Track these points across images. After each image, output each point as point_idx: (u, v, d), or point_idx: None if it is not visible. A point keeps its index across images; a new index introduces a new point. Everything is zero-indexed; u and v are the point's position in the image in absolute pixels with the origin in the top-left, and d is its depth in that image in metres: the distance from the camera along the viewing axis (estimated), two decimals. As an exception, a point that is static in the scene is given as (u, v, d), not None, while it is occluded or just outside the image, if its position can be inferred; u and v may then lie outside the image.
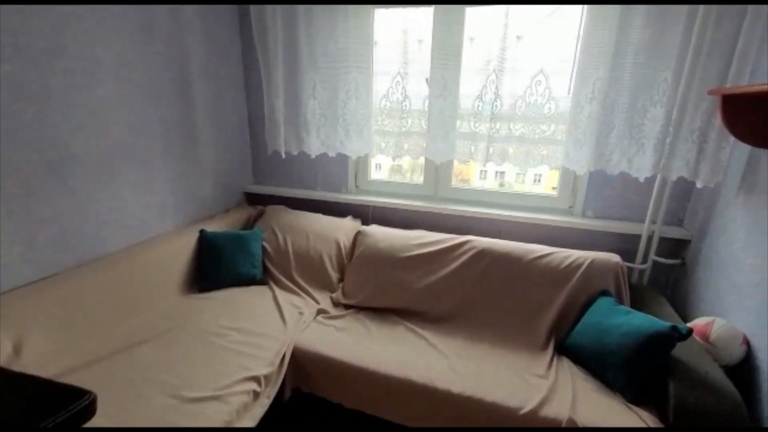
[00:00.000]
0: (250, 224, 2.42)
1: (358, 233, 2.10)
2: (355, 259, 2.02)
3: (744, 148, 1.54)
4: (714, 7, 1.45)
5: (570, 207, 2.12)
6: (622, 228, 1.96)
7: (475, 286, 1.77)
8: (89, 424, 0.82)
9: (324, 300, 1.99)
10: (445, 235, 1.97)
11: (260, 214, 2.45)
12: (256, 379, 1.41)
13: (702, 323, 1.51)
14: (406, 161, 2.60)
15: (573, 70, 1.76)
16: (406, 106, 2.02)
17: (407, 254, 1.90)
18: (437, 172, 2.28)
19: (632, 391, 1.32)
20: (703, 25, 1.47)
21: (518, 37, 1.77)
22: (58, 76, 1.50)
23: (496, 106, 1.84)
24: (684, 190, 1.87)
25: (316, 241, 2.16)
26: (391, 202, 2.32)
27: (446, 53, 1.87)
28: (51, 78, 1.48)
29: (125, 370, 1.39)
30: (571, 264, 1.67)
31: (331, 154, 2.23)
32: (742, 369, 1.42)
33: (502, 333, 1.66)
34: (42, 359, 1.34)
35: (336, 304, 1.96)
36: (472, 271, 1.79)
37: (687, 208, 1.92)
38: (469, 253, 1.81)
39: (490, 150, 1.91)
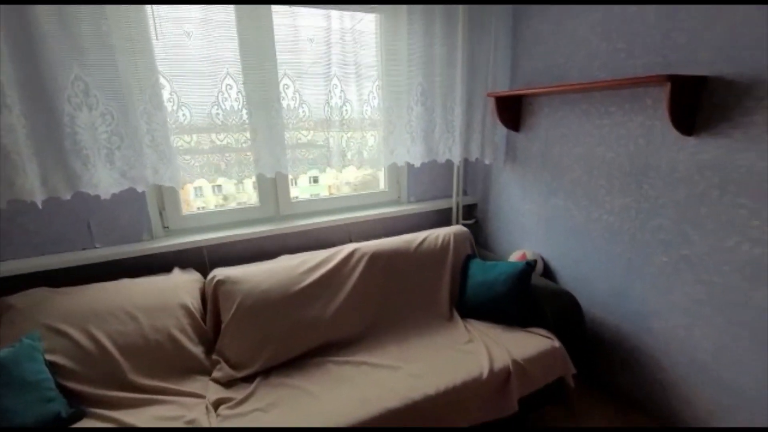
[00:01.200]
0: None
1: (218, 284, 1.58)
2: (233, 317, 1.52)
3: (503, 133, 2.25)
4: (475, 31, 2.02)
5: (398, 197, 2.41)
6: (438, 205, 2.44)
7: (381, 289, 1.75)
8: None
9: (204, 389, 1.41)
10: (325, 252, 1.80)
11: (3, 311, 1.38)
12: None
13: (519, 255, 2.15)
14: (229, 185, 2.14)
15: (380, 76, 1.97)
16: (239, 115, 1.66)
17: (301, 285, 1.62)
18: (275, 189, 2.01)
19: (523, 320, 1.73)
20: (470, 46, 2.03)
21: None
22: None
23: (345, 112, 1.83)
24: (465, 168, 2.52)
25: (150, 317, 1.46)
26: (230, 235, 1.87)
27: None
28: None
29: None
30: (443, 242, 1.94)
31: (141, 188, 1.54)
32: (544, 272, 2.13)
33: (418, 322, 1.74)
34: None
35: (228, 383, 1.43)
36: (373, 276, 1.75)
37: (467, 181, 2.60)
38: (363, 261, 1.75)
39: (326, 155, 1.89)
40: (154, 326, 1.46)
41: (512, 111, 2.10)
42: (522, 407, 1.50)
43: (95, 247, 1.71)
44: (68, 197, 1.42)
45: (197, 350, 1.50)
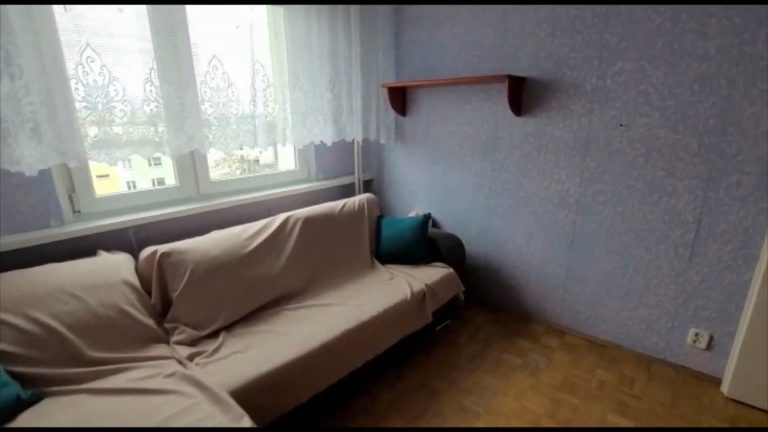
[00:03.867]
0: None
1: (163, 256, 1.62)
2: (186, 284, 1.59)
3: (393, 117, 2.75)
4: (366, 30, 2.44)
5: (308, 176, 2.68)
6: (343, 182, 2.81)
7: (317, 247, 2.03)
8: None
9: (169, 352, 1.48)
10: (260, 222, 1.98)
11: None
12: None
13: (413, 214, 2.70)
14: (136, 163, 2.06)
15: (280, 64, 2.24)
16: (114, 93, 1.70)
17: (248, 249, 1.78)
18: (193, 168, 2.06)
19: (426, 258, 2.26)
20: (363, 42, 2.44)
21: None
22: None
23: (269, 94, 2.02)
24: (363, 148, 2.94)
25: (94, 295, 1.44)
26: (157, 215, 1.87)
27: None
28: None
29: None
30: (359, 205, 2.32)
31: (11, 168, 1.43)
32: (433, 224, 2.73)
33: (349, 270, 2.10)
34: None
35: (192, 342, 1.53)
36: (309, 237, 2.01)
37: (365, 160, 3.03)
38: (298, 226, 2.01)
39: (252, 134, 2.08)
40: (102, 303, 1.44)
41: (400, 99, 2.62)
42: (434, 318, 2.03)
43: (-9, 238, 1.52)
44: None
45: (149, 321, 1.54)
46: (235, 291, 1.68)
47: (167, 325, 1.57)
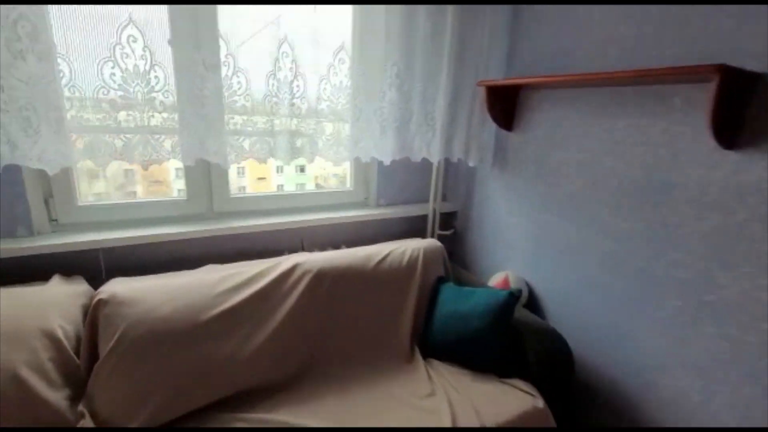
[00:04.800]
0: None
1: (99, 304, 1.17)
2: (110, 352, 1.11)
3: (493, 131, 1.89)
4: (467, 5, 1.64)
5: (365, 199, 2.03)
6: (412, 211, 2.07)
7: (324, 318, 1.37)
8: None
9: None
10: (261, 263, 1.41)
11: None
12: None
13: (500, 279, 1.80)
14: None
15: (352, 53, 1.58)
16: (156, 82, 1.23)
17: (215, 311, 1.22)
18: (209, 178, 1.61)
19: (500, 367, 1.38)
20: (460, 22, 1.65)
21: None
22: None
23: (297, 88, 1.43)
24: (444, 170, 2.15)
25: (-10, 349, 1.04)
26: (137, 236, 1.46)
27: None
28: None
29: None
30: (410, 259, 1.57)
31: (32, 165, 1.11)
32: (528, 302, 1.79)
33: (368, 363, 1.37)
34: None
35: (91, 449, 1.03)
36: (315, 301, 1.36)
37: (448, 185, 2.23)
38: (305, 281, 1.37)
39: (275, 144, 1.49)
40: (-5, 364, 1.04)
41: (506, 105, 1.74)
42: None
43: (-55, 243, 1.27)
44: None
45: (56, 396, 1.09)
46: (172, 378, 1.12)
47: (79, 408, 1.10)
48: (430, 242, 1.69)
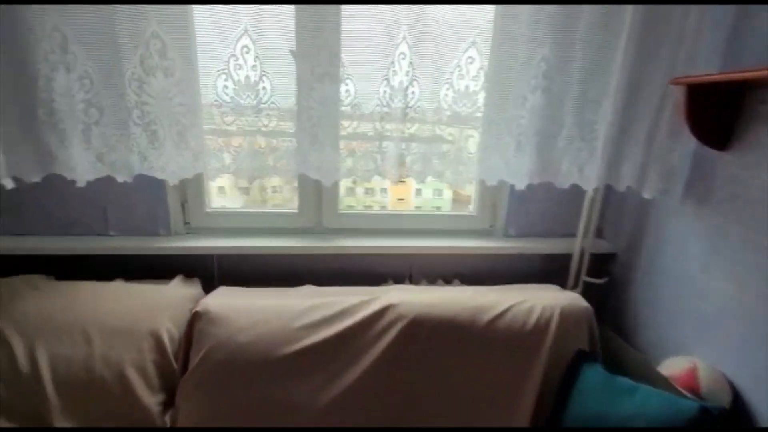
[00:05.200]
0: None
1: (195, 317, 1.18)
2: (195, 369, 1.10)
3: (690, 150, 1.30)
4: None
5: (491, 226, 1.68)
6: (551, 247, 1.62)
7: (418, 375, 1.11)
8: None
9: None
10: (348, 298, 1.23)
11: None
12: None
13: (682, 369, 1.21)
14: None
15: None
16: (263, 91, 1.18)
17: (295, 347, 1.09)
18: (319, 193, 1.53)
19: None
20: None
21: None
22: None
23: (412, 95, 1.20)
24: (603, 198, 1.62)
25: (106, 343, 1.13)
26: (250, 246, 1.46)
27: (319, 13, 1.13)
28: None
29: None
30: (539, 320, 1.17)
31: (122, 178, 1.21)
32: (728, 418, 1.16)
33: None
34: None
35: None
36: (408, 353, 1.12)
37: (605, 219, 1.69)
38: (397, 326, 1.13)
39: (408, 160, 1.27)
40: (106, 357, 1.12)
41: (719, 112, 1.16)
42: None
43: (110, 235, 1.49)
44: (38, 180, 1.16)
45: (152, 400, 1.12)
46: (246, 411, 1.04)
47: (166, 418, 1.11)
48: (572, 299, 1.24)
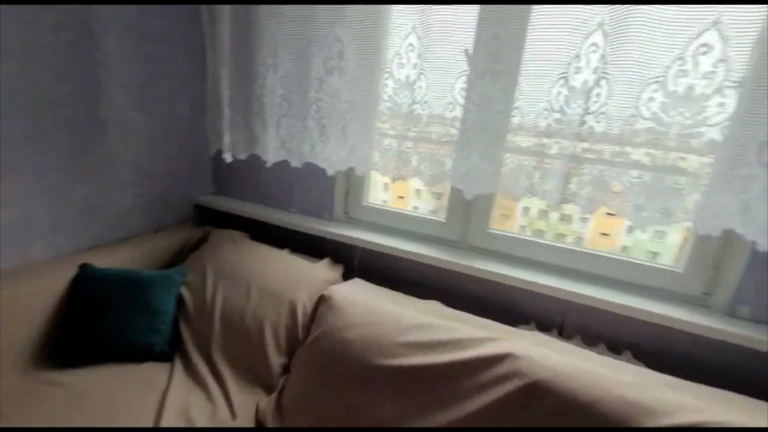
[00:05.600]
0: (185, 253, 1.65)
1: (322, 298, 1.26)
2: (306, 346, 1.17)
3: None
4: None
5: (704, 294, 1.16)
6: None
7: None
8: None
9: (247, 407, 1.16)
10: (468, 328, 1.06)
11: (203, 240, 1.68)
12: None
13: None
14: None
15: None
16: (419, 92, 1.14)
17: (390, 362, 1.02)
18: (469, 206, 1.40)
19: None
20: None
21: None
22: None
23: (596, 98, 0.93)
24: None
25: (258, 300, 1.34)
26: (390, 246, 1.47)
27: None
28: None
29: None
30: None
31: (295, 163, 1.40)
32: None
33: None
34: None
35: (260, 421, 1.13)
36: (512, 421, 0.88)
37: None
38: (510, 383, 0.90)
39: (573, 184, 1.00)
40: (255, 312, 1.32)
41: None
42: None
43: (291, 211, 1.77)
44: (243, 158, 1.46)
45: (276, 360, 1.26)
46: (324, 407, 1.03)
47: (281, 381, 1.23)
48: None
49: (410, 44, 1.10)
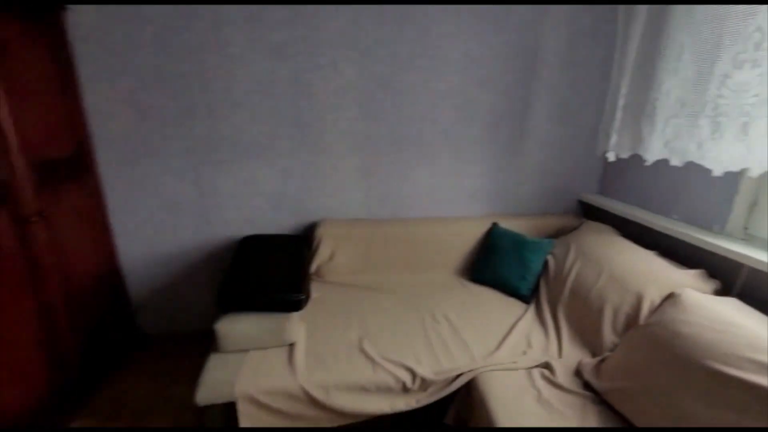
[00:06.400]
0: (559, 235, 2.04)
1: (671, 295, 1.25)
2: (639, 327, 1.24)
3: None
4: None
5: None
6: None
7: None
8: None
9: (572, 356, 1.40)
10: None
11: (576, 228, 2.00)
12: (412, 374, 1.31)
13: None
14: None
15: None
16: None
17: (721, 368, 0.91)
18: None
19: None
20: None
21: None
22: (413, 72, 1.92)
23: None
24: None
25: (606, 284, 1.51)
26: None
27: None
28: (408, 74, 1.93)
29: (366, 302, 1.73)
30: None
31: (675, 161, 1.39)
32: None
33: None
34: (341, 269, 1.94)
35: (579, 371, 1.33)
36: None
37: None
38: None
39: None
40: (601, 291, 1.50)
41: None
42: None
43: (672, 217, 1.72)
44: (625, 157, 1.60)
45: (609, 337, 1.39)
46: (637, 391, 1.08)
47: (611, 353, 1.36)
48: None
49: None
